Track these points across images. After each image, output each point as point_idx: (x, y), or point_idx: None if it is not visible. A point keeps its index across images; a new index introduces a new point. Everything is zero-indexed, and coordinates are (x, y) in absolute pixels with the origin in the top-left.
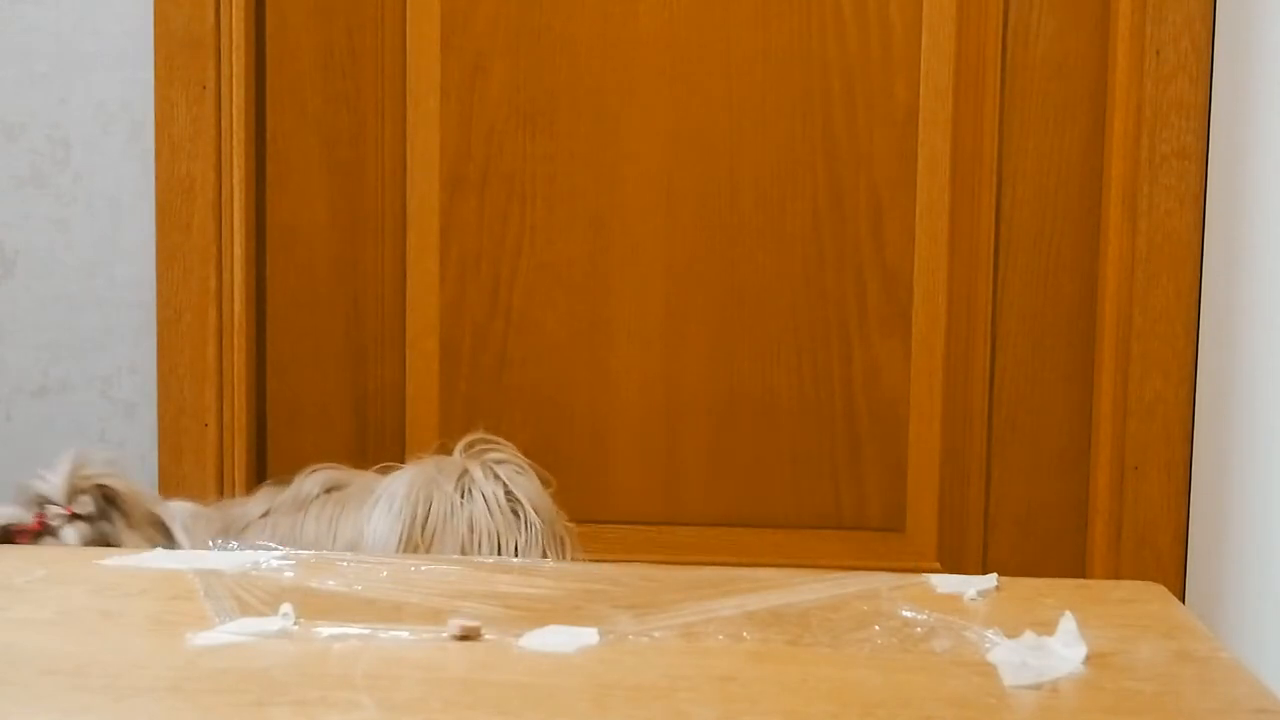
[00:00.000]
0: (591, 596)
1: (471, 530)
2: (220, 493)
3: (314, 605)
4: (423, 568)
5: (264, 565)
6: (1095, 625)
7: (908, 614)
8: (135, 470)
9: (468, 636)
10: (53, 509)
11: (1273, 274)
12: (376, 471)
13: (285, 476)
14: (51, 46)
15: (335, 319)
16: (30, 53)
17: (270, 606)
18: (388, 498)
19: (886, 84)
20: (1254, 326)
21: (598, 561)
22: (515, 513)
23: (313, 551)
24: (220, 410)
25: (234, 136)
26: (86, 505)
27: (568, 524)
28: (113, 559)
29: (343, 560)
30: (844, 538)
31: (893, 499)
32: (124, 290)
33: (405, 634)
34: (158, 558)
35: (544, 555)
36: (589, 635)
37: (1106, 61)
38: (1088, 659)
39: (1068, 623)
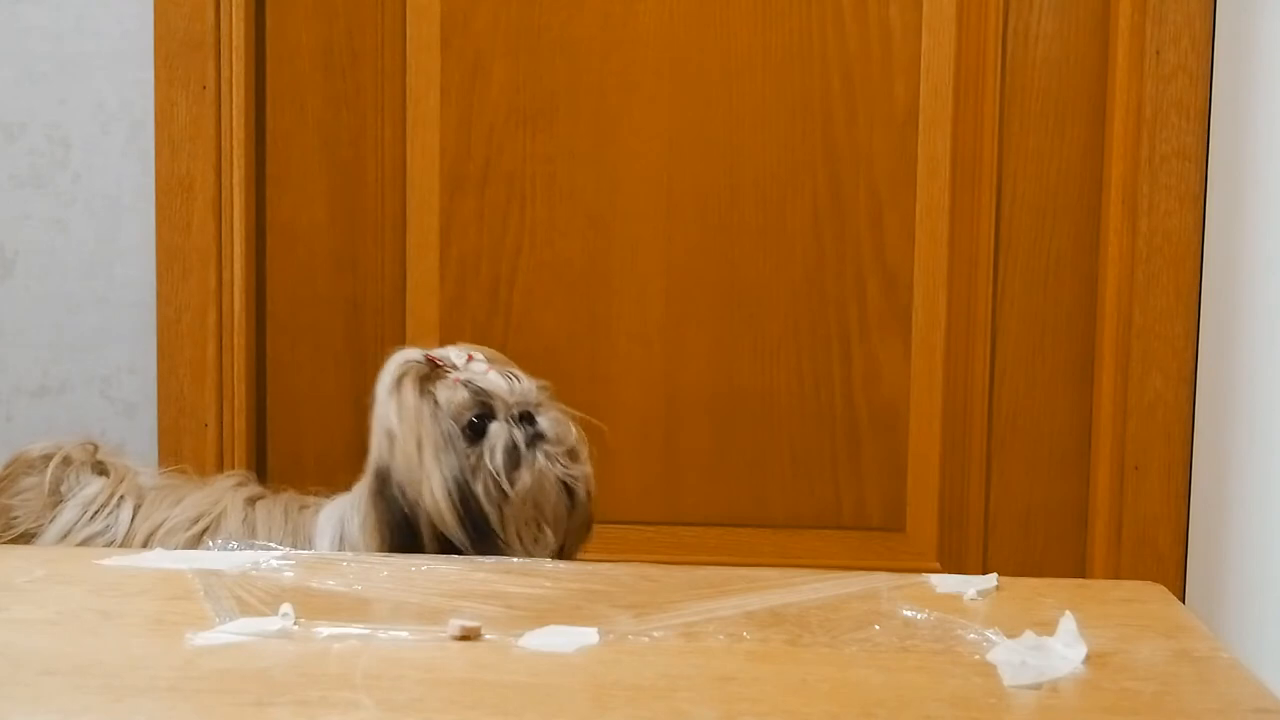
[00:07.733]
0: (591, 596)
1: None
2: None
3: (314, 605)
4: (423, 567)
5: (264, 565)
6: (1095, 625)
7: (908, 614)
8: None
9: (468, 636)
10: None
11: (1273, 274)
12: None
13: None
14: (51, 46)
15: (335, 319)
16: (30, 53)
17: (270, 606)
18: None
19: (886, 84)
20: (1254, 326)
21: (598, 561)
22: None
23: (313, 551)
24: (220, 410)
25: (234, 136)
26: None
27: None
28: (113, 559)
29: (343, 560)
30: (844, 538)
31: (893, 499)
32: (124, 290)
33: (405, 634)
34: (158, 558)
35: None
36: (589, 635)
37: (1106, 61)
38: (1088, 659)
39: (1068, 623)
